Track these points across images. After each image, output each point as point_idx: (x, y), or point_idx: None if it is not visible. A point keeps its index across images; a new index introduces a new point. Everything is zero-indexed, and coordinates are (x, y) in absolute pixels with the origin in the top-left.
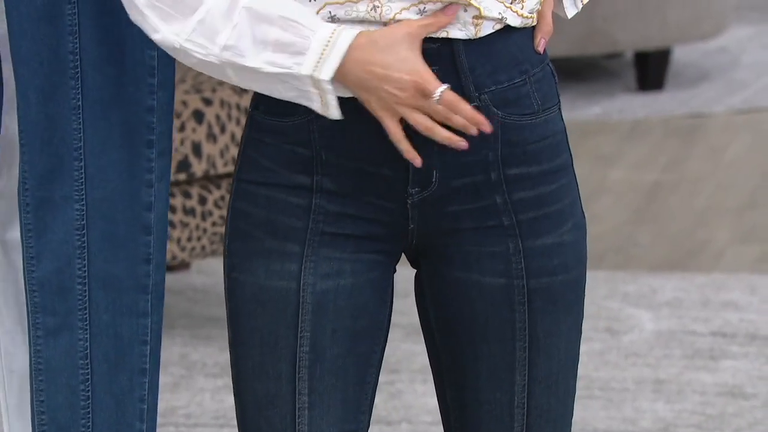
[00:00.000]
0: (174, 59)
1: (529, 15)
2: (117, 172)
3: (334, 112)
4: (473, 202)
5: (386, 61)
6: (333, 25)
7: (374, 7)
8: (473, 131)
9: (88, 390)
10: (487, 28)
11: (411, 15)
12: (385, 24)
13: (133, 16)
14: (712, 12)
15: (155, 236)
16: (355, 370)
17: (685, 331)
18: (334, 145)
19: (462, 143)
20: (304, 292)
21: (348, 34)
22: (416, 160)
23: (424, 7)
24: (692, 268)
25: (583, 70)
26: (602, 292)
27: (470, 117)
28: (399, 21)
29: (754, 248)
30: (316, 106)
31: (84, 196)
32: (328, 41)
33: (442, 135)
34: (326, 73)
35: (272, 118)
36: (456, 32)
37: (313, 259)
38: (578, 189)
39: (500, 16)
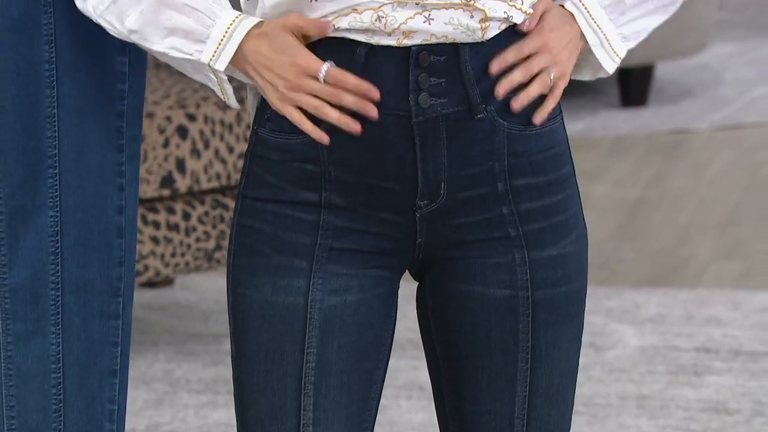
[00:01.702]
0: (146, 64)
1: (528, 11)
2: (90, 177)
3: (232, 102)
4: (480, 214)
5: (269, 47)
6: (234, 14)
7: (379, 18)
8: (368, 109)
9: (60, 393)
10: (494, 30)
11: (417, 24)
12: (389, 34)
13: None
14: (695, 29)
15: (126, 239)
16: (359, 387)
17: (669, 347)
18: (343, 161)
19: (355, 126)
20: (312, 308)
21: (247, 23)
22: (323, 138)
23: (429, 15)
24: (675, 283)
25: (567, 86)
26: (586, 308)
27: (355, 86)
28: (404, 31)
29: (737, 264)
30: (217, 92)
31: (58, 203)
32: (226, 31)
33: (332, 115)
34: (221, 63)
35: (279, 135)
36: (464, 38)
37: (321, 275)
38: (580, 200)
39: (506, 15)
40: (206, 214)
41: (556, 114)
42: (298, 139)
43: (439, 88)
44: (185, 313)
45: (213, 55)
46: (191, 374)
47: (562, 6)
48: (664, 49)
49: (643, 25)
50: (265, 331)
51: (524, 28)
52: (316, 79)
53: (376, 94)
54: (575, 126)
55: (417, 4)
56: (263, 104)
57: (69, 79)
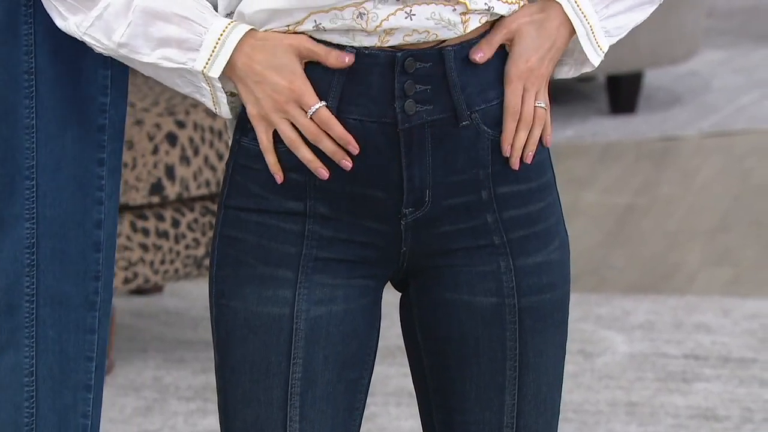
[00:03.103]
0: (127, 77)
1: (513, 1)
2: (69, 190)
3: (224, 110)
4: (465, 222)
5: (267, 61)
6: (226, 21)
7: (360, 15)
8: (344, 163)
9: (33, 407)
10: (474, 22)
11: (398, 20)
12: (370, 33)
13: (47, 5)
14: (683, 36)
15: (104, 254)
16: (344, 397)
17: (658, 354)
18: (328, 169)
19: (324, 173)
20: (298, 319)
21: (239, 30)
22: (277, 176)
23: (411, 10)
24: (665, 290)
25: (556, 94)
26: (575, 315)
27: (341, 135)
28: (385, 29)
29: (726, 271)
30: (208, 103)
31: (35, 215)
32: (219, 37)
33: (305, 156)
34: (216, 70)
35: None
36: (445, 32)
37: (307, 285)
38: (561, 207)
39: (487, 7)
40: (195, 221)
41: None
42: (282, 148)
43: (425, 94)
44: (175, 320)
45: (207, 63)
46: (181, 381)
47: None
48: (652, 57)
49: (624, 21)
50: (251, 342)
51: (477, 60)
52: (304, 111)
53: (355, 149)
54: (565, 133)
55: (398, 0)
56: (245, 114)
57: (48, 90)
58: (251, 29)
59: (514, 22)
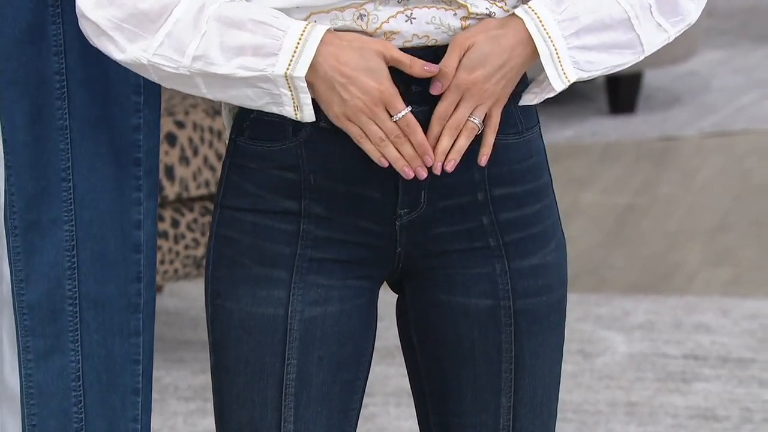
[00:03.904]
0: None
1: (512, 10)
2: (106, 191)
3: (308, 113)
4: (460, 224)
5: (356, 63)
6: (304, 23)
7: (360, 16)
8: (419, 170)
9: (81, 413)
10: None
11: (399, 23)
12: (371, 34)
13: (99, 42)
14: (683, 36)
15: (145, 254)
16: (340, 398)
17: (658, 354)
18: (323, 169)
19: (409, 172)
20: (292, 319)
21: (320, 29)
22: (383, 160)
23: (411, 13)
24: (664, 290)
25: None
26: (575, 315)
27: (420, 143)
28: (385, 31)
29: (726, 271)
30: (288, 110)
31: (73, 217)
32: (300, 38)
33: (392, 154)
34: (300, 69)
35: (258, 143)
36: (445, 38)
37: (301, 286)
38: (558, 209)
39: (488, 11)
40: (195, 221)
41: (534, 123)
42: (277, 147)
43: (421, 96)
44: (174, 320)
45: (289, 65)
46: (180, 381)
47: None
48: (652, 57)
49: (596, 58)
50: (245, 343)
51: (434, 92)
52: (389, 114)
53: (431, 159)
54: (564, 133)
55: (399, 2)
56: (242, 113)
57: (80, 90)
58: (330, 28)
59: (469, 38)
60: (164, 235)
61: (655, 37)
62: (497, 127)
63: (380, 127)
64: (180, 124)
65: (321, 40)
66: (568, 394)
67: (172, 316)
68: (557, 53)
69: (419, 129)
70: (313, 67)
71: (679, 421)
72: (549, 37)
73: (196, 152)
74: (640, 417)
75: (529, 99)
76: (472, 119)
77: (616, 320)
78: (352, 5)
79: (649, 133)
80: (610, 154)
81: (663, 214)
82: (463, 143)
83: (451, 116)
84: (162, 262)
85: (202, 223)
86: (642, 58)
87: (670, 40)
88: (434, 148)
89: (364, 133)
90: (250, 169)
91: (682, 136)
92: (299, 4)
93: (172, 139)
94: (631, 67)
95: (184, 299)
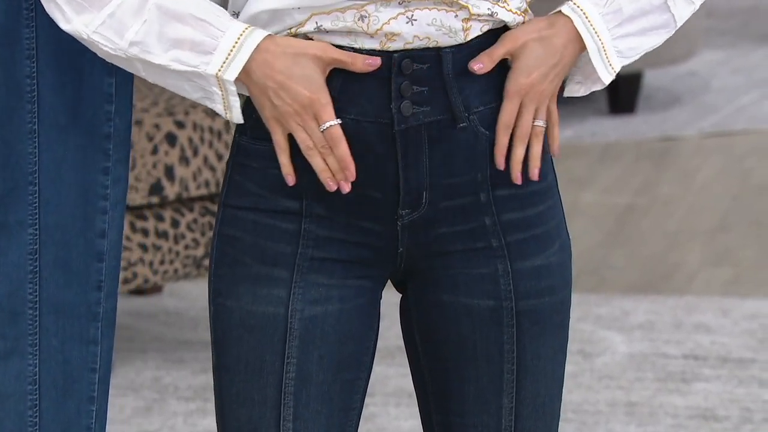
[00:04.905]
0: (132, 86)
1: (516, 11)
2: (71, 197)
3: (237, 115)
4: (462, 224)
5: (290, 71)
6: (243, 25)
7: (361, 17)
8: (342, 184)
9: (36, 416)
10: (476, 30)
11: (399, 25)
12: (372, 35)
13: (48, 7)
14: (683, 36)
15: (107, 263)
16: (340, 397)
17: (658, 354)
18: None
19: (332, 185)
20: (292, 318)
21: (257, 34)
22: (289, 178)
23: (412, 15)
24: (664, 290)
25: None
26: (575, 315)
27: (342, 158)
28: (386, 33)
29: (726, 271)
30: (219, 108)
31: (38, 221)
32: (236, 41)
33: (319, 165)
34: (231, 73)
35: (260, 143)
36: (446, 40)
37: (302, 285)
38: (563, 210)
39: (490, 12)
40: (195, 221)
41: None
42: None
43: (422, 96)
44: (174, 320)
45: (221, 66)
46: (180, 381)
47: (560, 11)
48: (652, 57)
49: (636, 43)
50: (245, 342)
51: (475, 71)
52: (318, 123)
53: (352, 176)
54: (564, 133)
55: (400, 3)
56: (245, 112)
57: (51, 94)
58: (269, 35)
59: (520, 38)
60: (164, 235)
61: (685, 11)
62: (558, 119)
63: (309, 135)
64: (180, 124)
65: (257, 47)
66: (568, 394)
67: (172, 316)
68: (603, 47)
69: (343, 142)
70: (246, 71)
71: (679, 421)
72: (596, 33)
73: (196, 152)
74: (640, 417)
75: (575, 90)
76: (537, 123)
77: (616, 320)
78: (353, 6)
79: (649, 133)
80: (610, 154)
81: (663, 214)
82: (538, 149)
83: (516, 124)
84: (162, 263)
85: (202, 223)
86: (673, 33)
87: (696, 10)
88: (511, 158)
89: (301, 139)
90: (253, 169)
91: (682, 136)
92: (300, 4)
93: (172, 139)
94: (631, 67)
95: (184, 299)
